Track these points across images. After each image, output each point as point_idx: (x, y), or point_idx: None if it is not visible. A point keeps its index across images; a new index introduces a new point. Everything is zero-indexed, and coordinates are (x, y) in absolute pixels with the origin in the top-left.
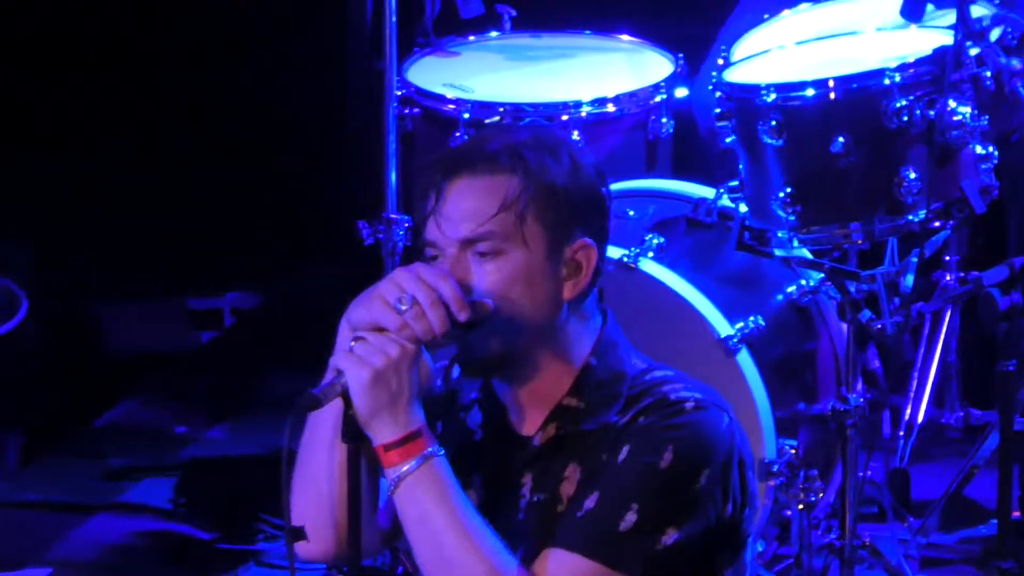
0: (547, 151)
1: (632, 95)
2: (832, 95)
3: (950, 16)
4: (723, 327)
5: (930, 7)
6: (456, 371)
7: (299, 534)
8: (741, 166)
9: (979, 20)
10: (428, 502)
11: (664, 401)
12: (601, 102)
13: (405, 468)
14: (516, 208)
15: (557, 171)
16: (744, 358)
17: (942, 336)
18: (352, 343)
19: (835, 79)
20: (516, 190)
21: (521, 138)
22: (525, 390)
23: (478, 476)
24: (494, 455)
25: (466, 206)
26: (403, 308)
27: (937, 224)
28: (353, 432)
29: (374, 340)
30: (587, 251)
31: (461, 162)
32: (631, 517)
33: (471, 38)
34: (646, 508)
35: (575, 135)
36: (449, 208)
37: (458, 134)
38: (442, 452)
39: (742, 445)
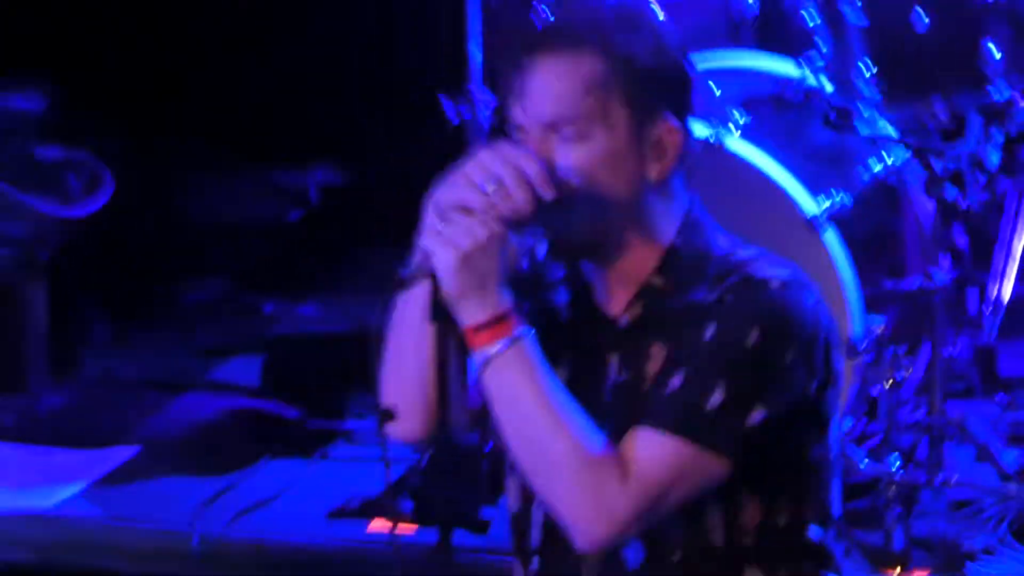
0: (631, 29)
1: None
2: None
3: None
4: (809, 205)
5: None
6: (542, 251)
7: (390, 414)
8: (825, 43)
9: None
10: (516, 383)
11: (750, 280)
12: None
13: (493, 350)
14: (600, 90)
15: (641, 50)
16: (830, 235)
17: None
18: (440, 225)
19: None
20: (600, 71)
21: (604, 16)
22: (611, 270)
23: (564, 355)
24: (580, 334)
25: (549, 89)
26: (489, 188)
27: (1022, 101)
28: (441, 313)
29: (462, 221)
30: (672, 132)
31: (544, 42)
32: (718, 395)
33: None
34: (732, 386)
35: (659, 12)
36: (532, 90)
37: (541, 9)
38: (530, 333)
39: (828, 323)
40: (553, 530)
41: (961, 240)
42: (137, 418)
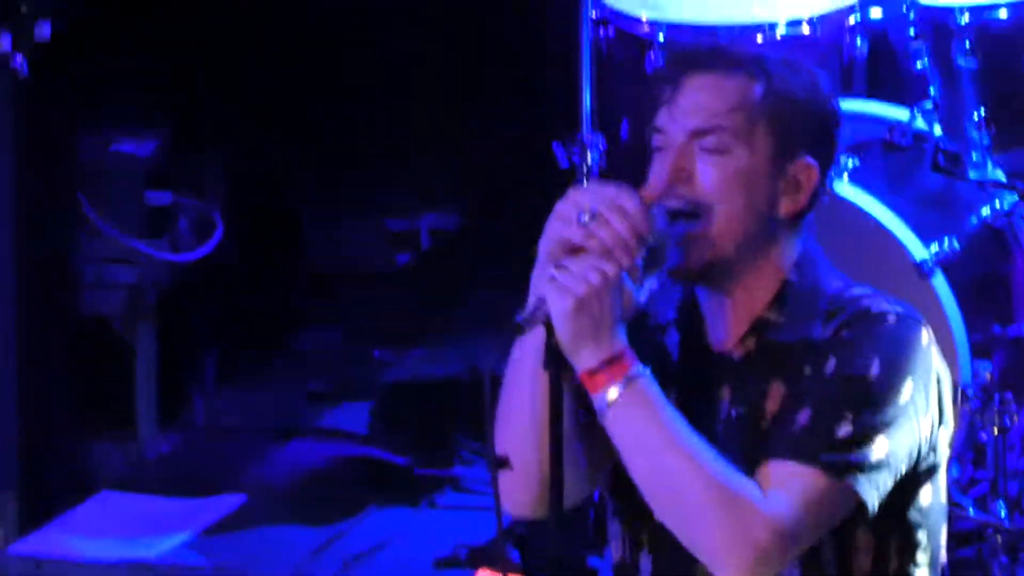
0: (789, 65)
1: (827, 16)
2: None
3: None
4: (918, 250)
5: None
6: (644, 295)
7: (503, 463)
8: (935, 88)
9: None
10: (641, 423)
11: (867, 313)
12: (796, 23)
13: (612, 390)
14: (750, 111)
15: (797, 85)
16: (939, 281)
17: None
18: (554, 270)
19: None
20: (752, 93)
21: (767, 51)
22: (727, 302)
23: (675, 394)
24: (692, 372)
25: (702, 98)
26: (585, 219)
27: None
28: (555, 360)
29: (576, 267)
30: (809, 171)
31: (705, 59)
32: (846, 428)
33: None
34: (859, 419)
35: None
36: (685, 98)
37: (652, 56)
38: (648, 371)
39: (940, 364)
40: None
41: None
42: (245, 465)
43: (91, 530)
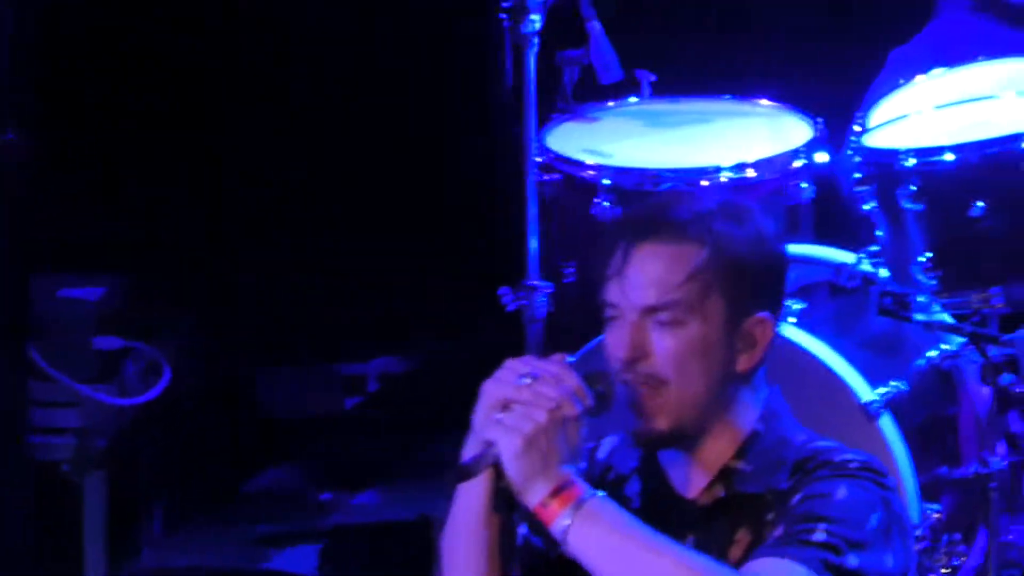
0: (735, 222)
1: (772, 160)
2: (971, 160)
3: None
4: (865, 392)
5: None
6: (604, 451)
7: None
8: (881, 231)
9: None
10: (601, 538)
11: (830, 462)
12: (741, 167)
13: (567, 513)
14: (702, 280)
15: (743, 244)
16: (886, 423)
17: None
18: (500, 413)
19: (974, 144)
20: (703, 262)
21: (709, 207)
22: (691, 454)
23: None
24: (654, 521)
25: (652, 272)
26: (525, 382)
27: None
28: (505, 502)
29: (521, 409)
30: (764, 325)
31: (649, 227)
32: (820, 534)
33: (610, 104)
34: (830, 528)
35: None
36: (634, 273)
37: (598, 200)
38: (602, 494)
39: (900, 511)
40: None
41: (1017, 426)
42: None
43: None
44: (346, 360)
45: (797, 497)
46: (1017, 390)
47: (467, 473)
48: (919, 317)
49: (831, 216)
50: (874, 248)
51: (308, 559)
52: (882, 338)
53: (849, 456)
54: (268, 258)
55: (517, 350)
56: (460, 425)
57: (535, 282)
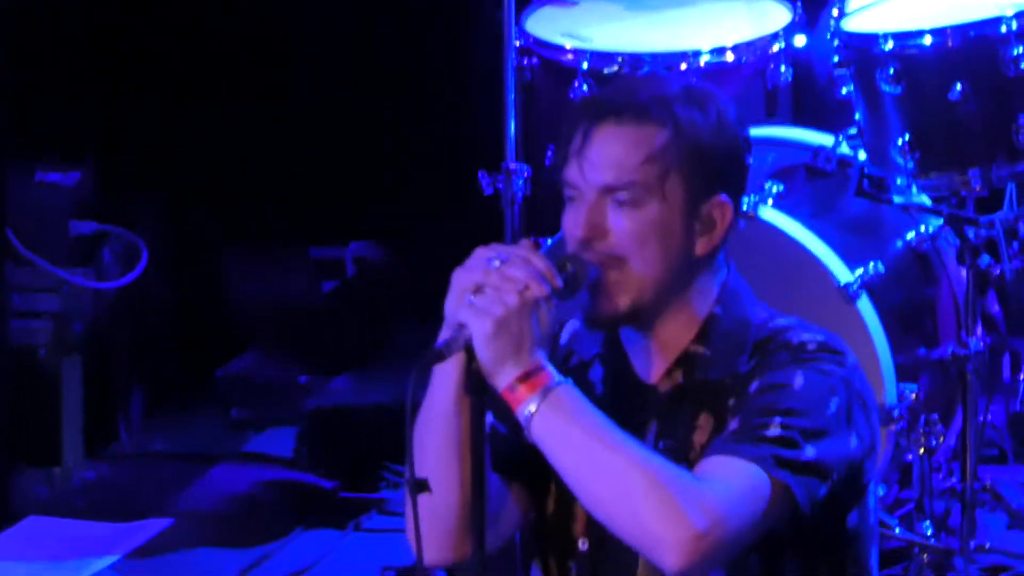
0: (697, 106)
1: (751, 44)
2: (950, 43)
3: None
4: (843, 274)
5: None
6: (566, 335)
7: (423, 486)
8: (859, 114)
9: None
10: (564, 426)
11: (788, 344)
12: (720, 51)
13: (532, 403)
14: (661, 162)
15: (704, 128)
16: (864, 304)
17: None
18: (472, 296)
19: (952, 27)
20: (663, 144)
21: (671, 91)
22: (650, 339)
23: None
24: (617, 407)
25: (611, 153)
26: (494, 264)
27: None
28: (476, 385)
29: (492, 292)
30: (723, 208)
31: (610, 108)
32: (775, 429)
33: None
34: (786, 421)
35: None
36: (593, 153)
37: (577, 84)
38: (569, 381)
39: (862, 388)
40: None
41: (994, 307)
42: (171, 491)
43: (17, 554)
44: (322, 244)
45: (755, 385)
46: (994, 272)
47: (439, 356)
48: (897, 199)
49: (810, 100)
50: (852, 131)
51: (285, 442)
52: (860, 220)
53: (807, 337)
54: (244, 141)
55: (495, 234)
56: (436, 309)
57: (513, 165)
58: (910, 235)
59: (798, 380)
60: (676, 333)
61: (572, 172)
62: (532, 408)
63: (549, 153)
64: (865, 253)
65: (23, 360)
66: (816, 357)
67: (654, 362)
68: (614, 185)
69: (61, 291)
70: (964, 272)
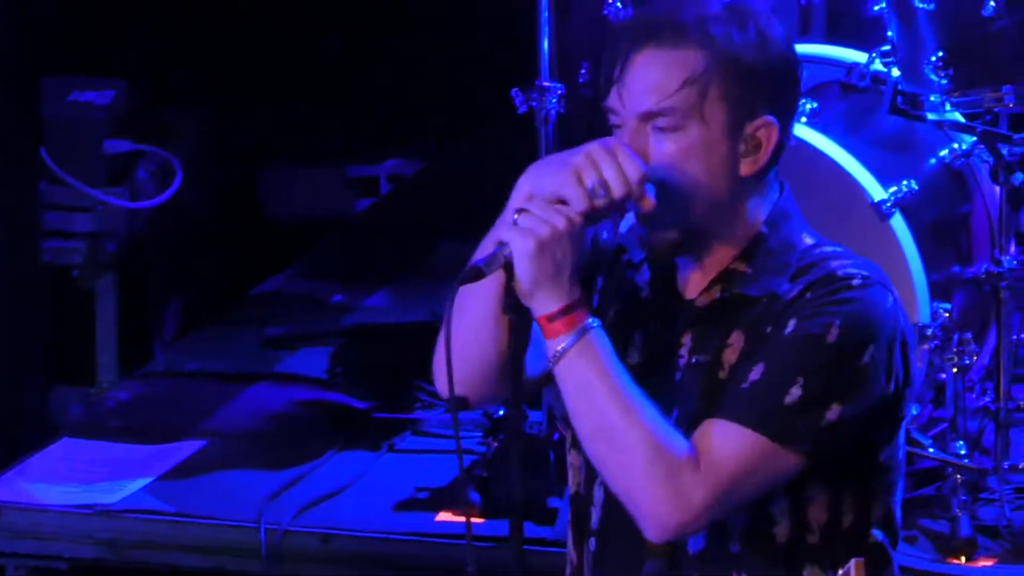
0: (736, 24)
1: None
2: None
3: None
4: (876, 191)
5: None
6: (624, 227)
7: (462, 403)
8: (892, 30)
9: None
10: (589, 373)
11: (832, 276)
12: None
13: (566, 339)
14: (699, 84)
15: (744, 47)
16: (898, 222)
17: None
18: (515, 216)
19: None
20: (701, 67)
21: (710, 10)
22: (696, 255)
23: (640, 334)
24: (657, 314)
25: (650, 79)
26: (598, 192)
27: None
28: (514, 304)
29: (540, 212)
30: (768, 129)
31: (648, 32)
32: (796, 391)
33: None
34: (811, 383)
35: None
36: (632, 79)
37: (611, 1)
38: (599, 324)
39: (905, 326)
40: (613, 512)
41: None
42: (205, 411)
43: (51, 476)
44: (357, 162)
45: (791, 326)
46: None
47: (477, 273)
48: (930, 116)
49: (843, 17)
50: (886, 48)
51: (319, 362)
52: (893, 137)
53: (852, 271)
54: (280, 59)
55: (528, 152)
56: (470, 225)
57: (547, 83)
58: (943, 152)
59: (834, 330)
60: (721, 251)
61: (613, 100)
62: (565, 345)
63: (583, 71)
64: (898, 170)
65: (57, 280)
66: (858, 297)
67: (696, 277)
68: (653, 111)
69: (95, 210)
70: (998, 189)
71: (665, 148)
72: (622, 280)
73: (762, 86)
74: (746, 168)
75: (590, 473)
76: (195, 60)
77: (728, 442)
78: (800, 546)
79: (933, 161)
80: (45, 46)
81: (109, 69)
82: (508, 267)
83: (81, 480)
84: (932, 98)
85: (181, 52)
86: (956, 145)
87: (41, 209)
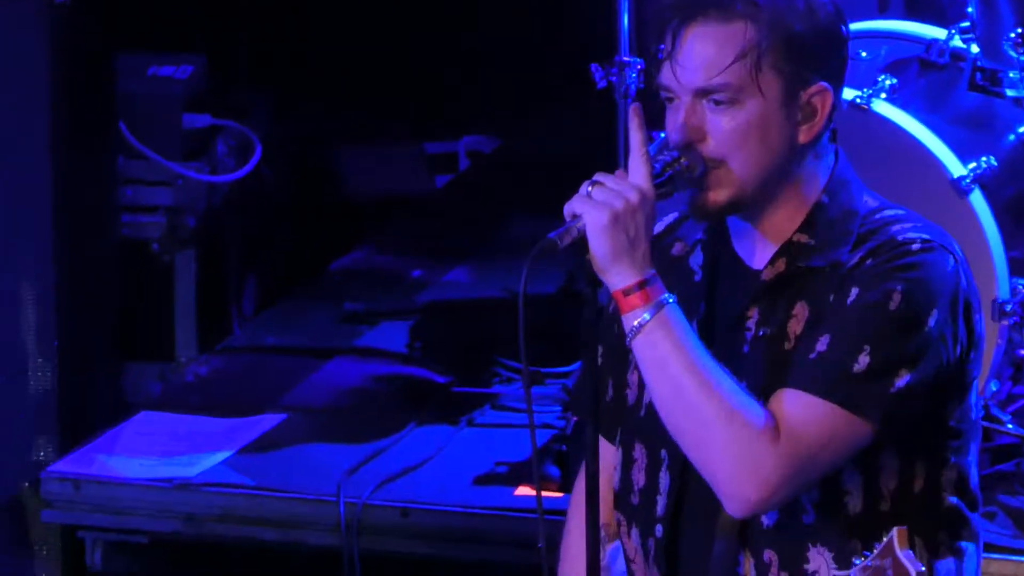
0: None
1: None
2: None
3: None
4: (956, 167)
5: None
6: (660, 225)
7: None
8: (972, 7)
9: None
10: (666, 346)
11: (892, 242)
12: None
13: (644, 313)
14: (752, 57)
15: (793, 16)
16: (977, 198)
17: None
18: (589, 188)
19: None
20: (752, 39)
21: None
22: (756, 226)
23: (703, 311)
24: (718, 292)
25: (702, 54)
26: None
27: None
28: (589, 277)
29: (613, 185)
30: (823, 95)
31: (697, 8)
32: (864, 359)
33: None
34: (877, 350)
35: None
36: (685, 55)
37: None
38: (675, 299)
39: (968, 287)
40: (681, 497)
41: None
42: (284, 385)
43: (130, 449)
44: (436, 138)
45: (853, 295)
46: None
47: (552, 247)
48: (1010, 93)
49: None
50: (965, 24)
51: (398, 336)
52: (973, 114)
53: (912, 235)
54: (358, 35)
55: (608, 127)
56: (549, 201)
57: (626, 58)
58: (1022, 129)
59: (896, 296)
60: (781, 221)
61: (666, 75)
62: (644, 318)
63: (662, 46)
64: (978, 147)
65: (136, 254)
66: (919, 262)
67: (759, 249)
68: (708, 87)
69: (174, 184)
70: None
71: (722, 124)
72: (671, 269)
73: (813, 53)
74: (804, 136)
75: (653, 462)
76: (275, 35)
77: (802, 412)
78: (872, 514)
79: (1012, 137)
80: (123, 21)
81: (188, 46)
82: (583, 240)
83: (160, 453)
84: (1011, 74)
85: (260, 27)
86: None
87: (120, 184)
